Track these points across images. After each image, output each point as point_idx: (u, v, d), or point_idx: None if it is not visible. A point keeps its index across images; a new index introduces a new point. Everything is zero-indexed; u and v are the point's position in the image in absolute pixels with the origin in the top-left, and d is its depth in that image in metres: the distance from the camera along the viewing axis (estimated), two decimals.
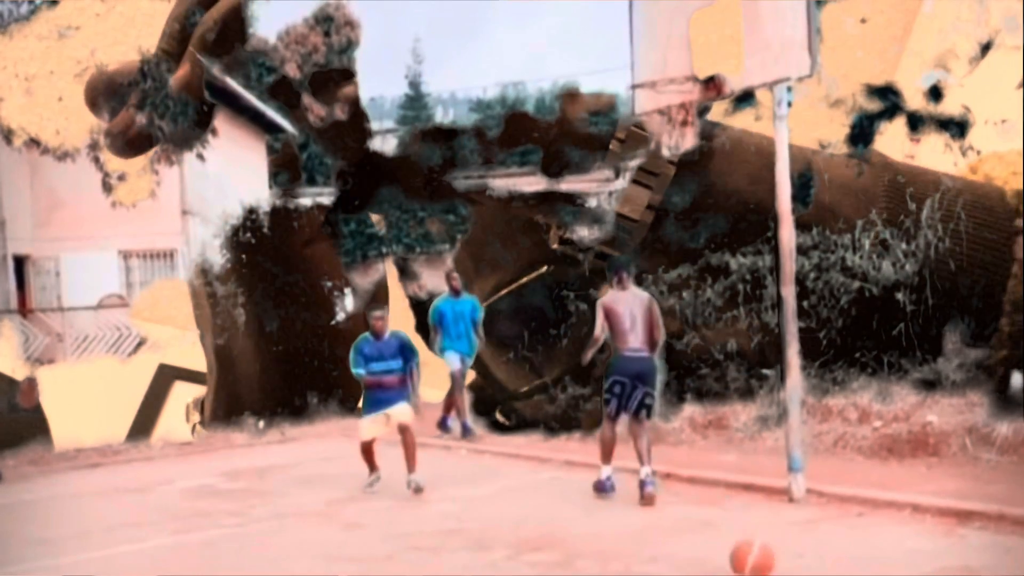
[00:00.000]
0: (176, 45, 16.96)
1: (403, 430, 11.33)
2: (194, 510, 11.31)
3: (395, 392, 11.44)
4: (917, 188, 15.65)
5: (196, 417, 19.28)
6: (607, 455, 10.74)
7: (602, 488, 10.71)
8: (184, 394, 19.47)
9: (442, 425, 15.00)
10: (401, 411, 11.40)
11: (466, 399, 15.18)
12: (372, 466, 11.81)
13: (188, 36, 16.96)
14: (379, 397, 11.44)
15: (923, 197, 15.47)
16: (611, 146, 16.27)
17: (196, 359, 18.99)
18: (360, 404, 12.41)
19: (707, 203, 16.13)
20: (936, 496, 9.28)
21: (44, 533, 10.52)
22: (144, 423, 18.31)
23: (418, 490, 11.22)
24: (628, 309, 10.68)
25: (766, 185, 10.74)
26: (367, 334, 11.60)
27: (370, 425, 11.54)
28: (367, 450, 11.72)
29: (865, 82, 17.42)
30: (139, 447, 16.34)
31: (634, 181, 16.10)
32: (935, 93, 17.29)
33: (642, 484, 10.34)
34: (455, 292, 14.89)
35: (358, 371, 11.45)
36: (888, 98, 17.49)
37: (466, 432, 14.63)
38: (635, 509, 10.10)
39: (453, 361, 14.62)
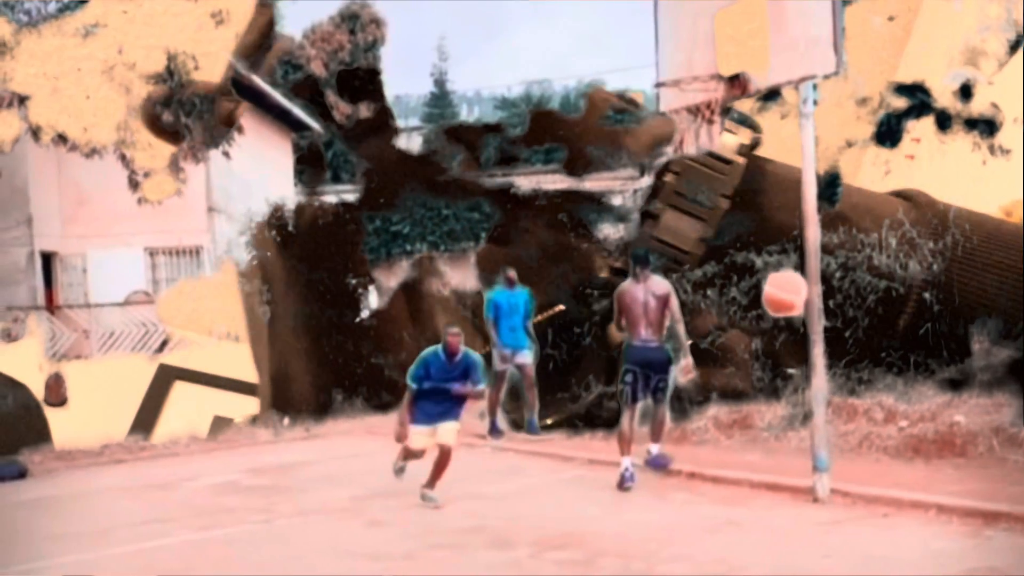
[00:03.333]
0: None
1: (443, 450, 10.62)
2: (219, 506, 11.35)
3: (447, 407, 10.63)
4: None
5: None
6: (626, 447, 11.02)
7: (623, 481, 10.91)
8: (184, 394, 19.46)
9: (493, 431, 14.60)
10: (448, 430, 10.64)
11: (536, 394, 14.69)
12: (402, 457, 11.18)
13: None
14: (430, 410, 10.63)
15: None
16: (667, 179, 16.24)
17: (221, 359, 19.01)
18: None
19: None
20: (962, 497, 9.21)
21: (69, 528, 10.58)
22: (145, 424, 18.35)
23: (432, 504, 10.62)
24: (642, 300, 11.15)
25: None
26: (437, 349, 10.66)
27: (419, 436, 10.72)
28: (410, 454, 10.97)
29: (892, 80, 17.33)
30: (165, 443, 16.40)
31: (686, 212, 16.00)
32: (964, 91, 17.18)
33: (646, 461, 11.29)
34: (510, 284, 14.70)
35: (414, 386, 10.62)
36: (916, 96, 17.39)
37: (496, 431, 14.45)
38: (659, 508, 10.08)
39: (502, 357, 14.47)
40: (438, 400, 10.59)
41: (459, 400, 10.66)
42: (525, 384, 14.64)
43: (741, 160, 15.89)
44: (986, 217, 16.16)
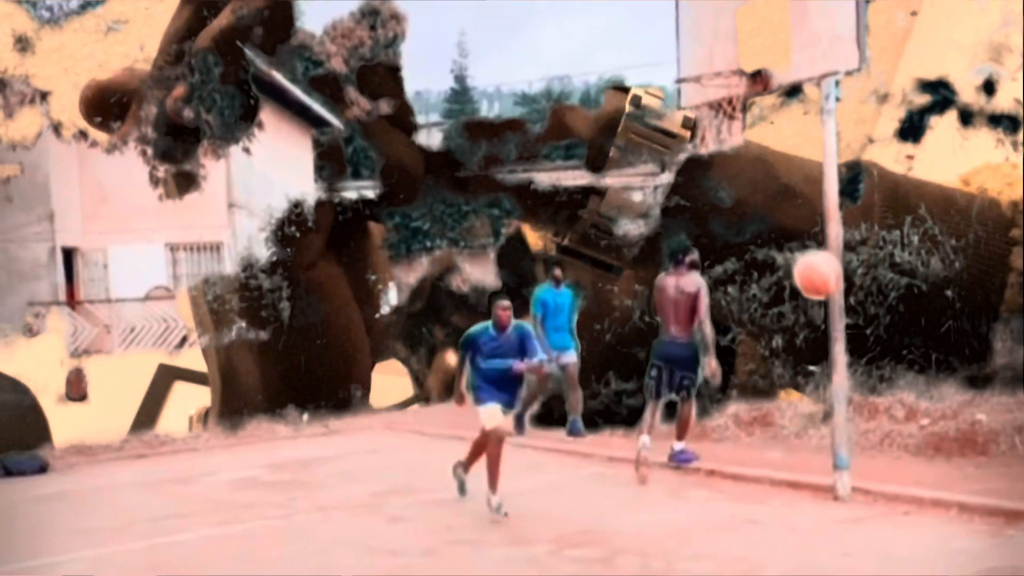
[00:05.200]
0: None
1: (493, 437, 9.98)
2: (238, 501, 11.37)
3: (508, 387, 10.08)
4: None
5: None
6: (646, 429, 11.14)
7: (637, 460, 11.04)
8: (184, 394, 19.57)
9: (518, 424, 14.07)
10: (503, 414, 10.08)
11: (580, 396, 14.36)
12: (468, 466, 10.48)
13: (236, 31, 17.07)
14: (494, 391, 10.01)
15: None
16: (612, 154, 16.41)
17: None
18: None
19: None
20: (984, 496, 9.15)
21: (88, 523, 10.61)
22: (145, 424, 18.45)
23: (502, 512, 9.81)
24: (672, 295, 11.23)
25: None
26: (487, 324, 10.14)
27: (494, 414, 9.97)
28: (495, 446, 9.98)
29: (916, 76, 17.25)
30: (184, 438, 16.46)
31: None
32: (987, 87, 17.08)
33: (669, 457, 11.38)
34: (556, 283, 14.52)
35: (465, 355, 10.09)
36: (939, 92, 17.30)
37: (520, 426, 14.32)
38: (678, 506, 10.05)
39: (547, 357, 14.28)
40: (498, 379, 10.04)
41: (518, 379, 10.15)
42: (568, 385, 14.35)
43: (685, 133, 16.12)
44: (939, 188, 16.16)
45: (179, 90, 16.65)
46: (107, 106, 17.18)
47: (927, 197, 15.87)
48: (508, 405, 10.19)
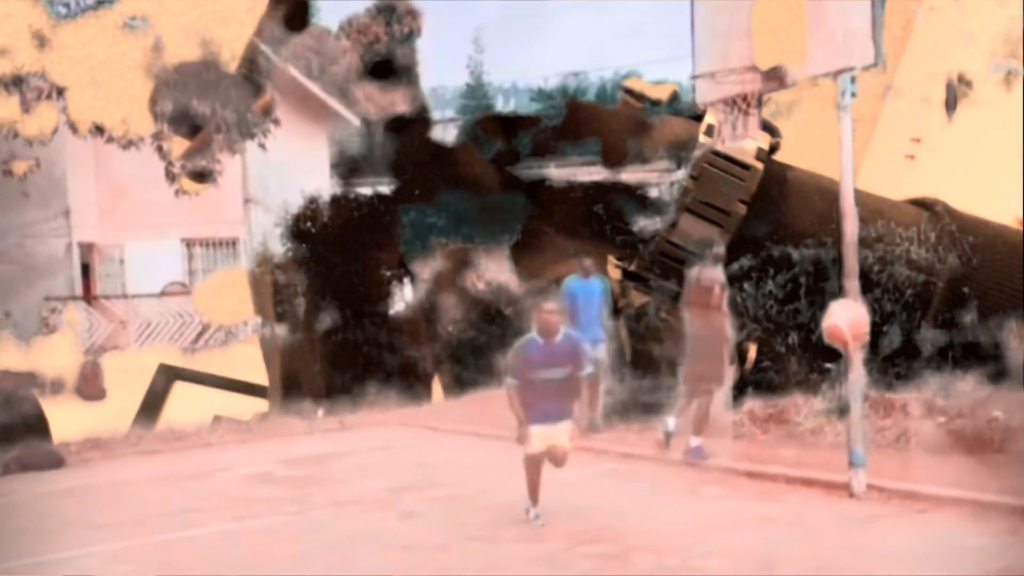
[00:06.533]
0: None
1: (556, 454, 9.37)
2: (253, 497, 11.39)
3: (561, 406, 9.27)
4: None
5: None
6: (676, 414, 11.54)
7: (662, 440, 11.50)
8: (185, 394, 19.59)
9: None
10: (562, 432, 9.30)
11: (601, 391, 13.99)
12: (535, 493, 9.53)
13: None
14: (544, 407, 9.19)
15: None
16: (685, 183, 16.18)
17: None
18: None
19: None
20: (1001, 493, 9.10)
21: (104, 518, 10.64)
22: (148, 420, 18.49)
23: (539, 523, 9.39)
24: (700, 287, 11.45)
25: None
26: (532, 335, 9.25)
27: (538, 438, 9.27)
28: (533, 467, 9.43)
29: (932, 71, 17.17)
30: (200, 433, 16.49)
31: (702, 216, 15.87)
32: (1006, 83, 17.00)
33: (685, 452, 11.46)
34: (585, 273, 14.24)
35: (513, 383, 9.18)
36: (957, 88, 17.22)
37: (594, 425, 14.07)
38: (693, 503, 10.03)
39: None
40: (549, 392, 9.21)
41: (574, 390, 9.36)
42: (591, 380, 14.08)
43: (759, 165, 15.67)
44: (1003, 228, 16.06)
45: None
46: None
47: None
48: (560, 419, 9.34)
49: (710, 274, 11.38)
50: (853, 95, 9.78)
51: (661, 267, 16.46)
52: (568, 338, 9.39)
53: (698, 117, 16.36)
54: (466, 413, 15.67)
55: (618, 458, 12.52)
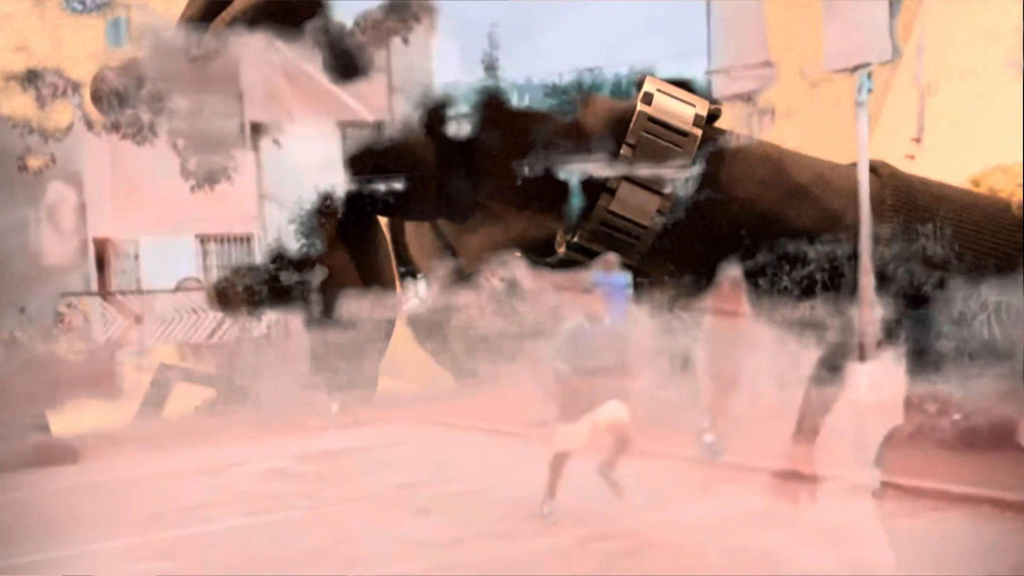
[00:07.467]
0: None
1: (617, 432, 9.25)
2: (267, 492, 11.41)
3: (610, 391, 9.21)
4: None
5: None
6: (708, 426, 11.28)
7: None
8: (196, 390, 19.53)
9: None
10: (613, 410, 9.23)
11: None
12: (554, 487, 9.49)
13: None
14: (588, 400, 9.13)
15: None
16: (622, 151, 16.15)
17: None
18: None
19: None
20: (1018, 491, 9.01)
21: (117, 513, 10.66)
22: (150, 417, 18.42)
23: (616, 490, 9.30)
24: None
25: None
26: (580, 320, 9.13)
27: (573, 433, 9.21)
28: (561, 463, 9.36)
29: (938, 67, 17.07)
30: (214, 428, 16.49)
31: (640, 184, 15.84)
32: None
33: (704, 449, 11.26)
34: (608, 268, 14.21)
35: (564, 368, 9.06)
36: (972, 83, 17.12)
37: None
38: (707, 500, 10.01)
39: None
40: (596, 380, 9.13)
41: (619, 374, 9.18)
42: None
43: (697, 132, 15.73)
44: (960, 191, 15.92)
45: None
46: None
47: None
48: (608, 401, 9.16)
49: (731, 277, 11.34)
50: (870, 91, 9.73)
51: (604, 237, 16.48)
52: (615, 323, 9.12)
53: (711, 114, 16.31)
54: (480, 409, 15.65)
55: (632, 454, 12.50)
